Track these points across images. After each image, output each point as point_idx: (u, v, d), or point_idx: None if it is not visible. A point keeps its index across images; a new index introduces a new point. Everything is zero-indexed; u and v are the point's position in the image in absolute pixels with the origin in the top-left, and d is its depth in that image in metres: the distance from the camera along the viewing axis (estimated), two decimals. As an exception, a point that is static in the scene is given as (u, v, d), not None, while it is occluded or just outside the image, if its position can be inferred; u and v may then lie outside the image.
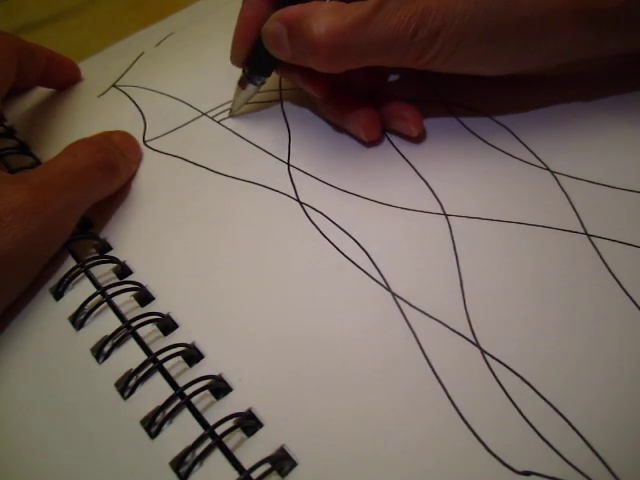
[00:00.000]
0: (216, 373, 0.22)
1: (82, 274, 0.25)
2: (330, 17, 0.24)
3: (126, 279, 0.25)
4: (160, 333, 0.23)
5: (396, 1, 0.23)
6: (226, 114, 0.32)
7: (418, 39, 0.24)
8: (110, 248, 0.26)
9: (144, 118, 0.32)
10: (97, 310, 0.24)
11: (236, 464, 0.20)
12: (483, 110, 0.30)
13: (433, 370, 0.21)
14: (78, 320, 0.23)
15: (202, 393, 0.21)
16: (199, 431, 0.20)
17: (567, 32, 0.25)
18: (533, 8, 0.24)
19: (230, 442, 0.20)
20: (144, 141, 0.31)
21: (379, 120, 0.29)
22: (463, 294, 0.23)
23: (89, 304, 0.24)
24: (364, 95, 0.29)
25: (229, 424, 0.20)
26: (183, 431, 0.20)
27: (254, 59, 0.29)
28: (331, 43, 0.24)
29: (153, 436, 0.20)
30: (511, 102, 0.30)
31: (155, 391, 0.21)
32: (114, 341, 0.23)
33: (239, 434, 0.20)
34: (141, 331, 0.23)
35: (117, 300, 0.24)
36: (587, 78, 0.29)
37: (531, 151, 0.28)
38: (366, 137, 0.28)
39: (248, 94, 0.30)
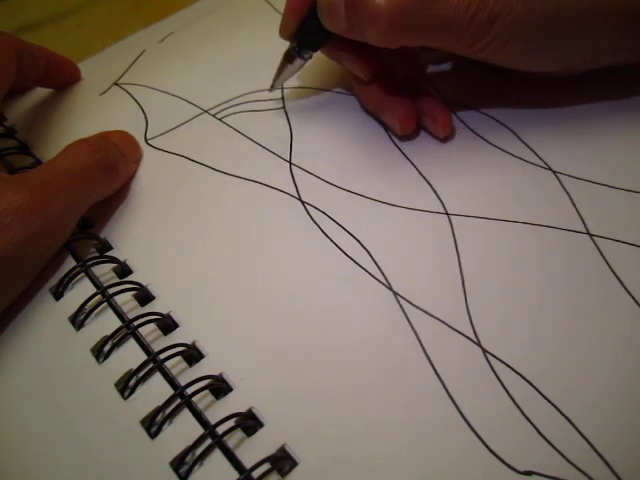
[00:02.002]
0: (216, 373, 0.22)
1: (82, 274, 0.25)
2: None
3: (126, 279, 0.25)
4: (160, 333, 0.23)
5: None
6: (227, 112, 0.32)
7: (476, 22, 0.24)
8: (110, 248, 0.26)
9: (146, 116, 0.32)
10: (97, 310, 0.24)
11: (236, 464, 0.19)
12: (485, 110, 0.30)
13: (434, 369, 0.21)
14: (78, 320, 0.23)
15: (202, 393, 0.21)
16: (199, 431, 0.20)
17: (616, 32, 0.25)
18: (588, 3, 0.24)
19: (230, 442, 0.20)
20: (146, 139, 0.31)
21: (415, 114, 0.28)
22: (465, 293, 0.23)
23: (89, 304, 0.24)
24: (403, 85, 0.29)
25: (229, 424, 0.20)
26: (183, 431, 0.20)
27: (305, 32, 0.28)
28: (392, 13, 0.23)
29: (153, 436, 0.20)
30: (513, 102, 0.30)
31: (155, 391, 0.21)
32: (114, 341, 0.23)
33: (239, 434, 0.20)
34: (141, 331, 0.23)
35: (117, 300, 0.24)
36: (588, 80, 0.29)
37: (533, 151, 0.28)
38: (401, 130, 0.28)
39: (294, 69, 0.30)
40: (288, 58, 0.29)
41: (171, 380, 0.22)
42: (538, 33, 0.24)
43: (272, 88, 0.31)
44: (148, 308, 0.24)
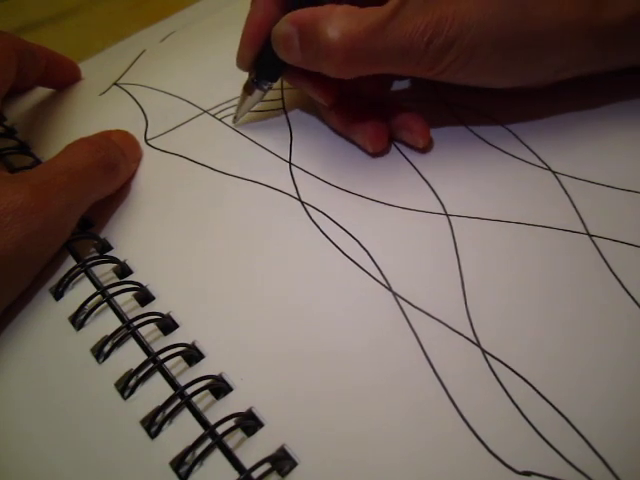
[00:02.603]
0: (216, 373, 0.22)
1: (82, 274, 0.25)
2: (345, 21, 0.23)
3: (126, 279, 0.25)
4: (160, 333, 0.23)
5: (412, 8, 0.23)
6: (227, 112, 0.32)
7: (433, 48, 0.24)
8: (110, 248, 0.26)
9: (145, 116, 0.32)
10: (97, 310, 0.24)
11: (236, 464, 0.19)
12: (484, 111, 0.30)
13: (434, 370, 0.21)
14: (78, 320, 0.23)
15: (202, 393, 0.21)
16: (199, 431, 0.20)
17: (577, 47, 0.25)
18: (546, 22, 0.24)
19: (230, 442, 0.20)
20: (145, 139, 0.31)
21: (386, 132, 0.28)
22: (464, 294, 0.23)
23: (89, 304, 0.24)
24: (370, 104, 0.29)
25: (229, 424, 0.20)
26: (183, 431, 0.20)
27: (262, 63, 0.28)
28: (346, 47, 0.23)
29: (153, 436, 0.20)
30: (513, 104, 0.30)
31: (155, 391, 0.21)
32: (114, 341, 0.23)
33: (239, 434, 0.20)
34: (141, 331, 0.23)
35: (117, 300, 0.24)
36: (588, 81, 0.29)
37: (532, 151, 0.28)
38: (372, 149, 0.28)
39: (254, 100, 0.30)
40: (247, 90, 0.30)
41: (171, 380, 0.22)
42: (495, 54, 0.24)
43: (235, 120, 0.31)
44: (148, 308, 0.24)
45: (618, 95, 0.29)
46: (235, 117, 0.31)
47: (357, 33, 0.23)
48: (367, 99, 0.30)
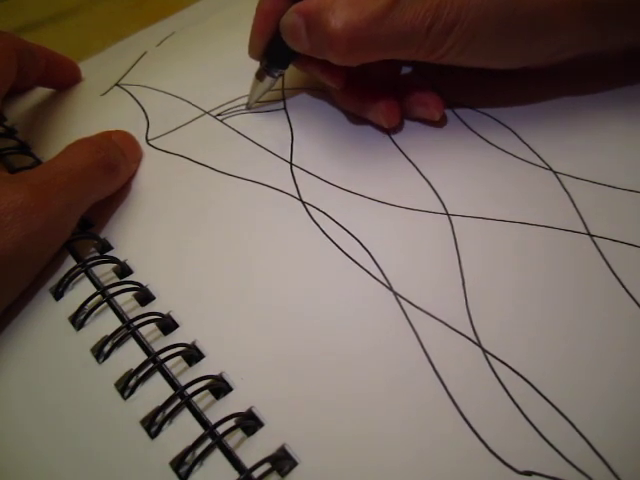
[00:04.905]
0: (216, 373, 0.22)
1: (82, 274, 0.25)
2: (347, 11, 0.24)
3: (126, 279, 0.25)
4: (160, 333, 0.23)
5: None
6: (228, 113, 0.32)
7: (433, 33, 0.24)
8: (110, 248, 0.26)
9: (147, 117, 0.32)
10: (97, 310, 0.24)
11: (236, 464, 0.19)
12: (486, 111, 0.30)
13: (435, 370, 0.21)
14: (78, 320, 0.23)
15: (202, 393, 0.21)
16: (199, 431, 0.20)
17: (575, 26, 0.25)
18: (543, 2, 0.24)
19: (230, 442, 0.20)
20: (147, 140, 0.31)
21: (399, 107, 0.29)
22: (465, 294, 0.23)
23: (89, 304, 0.24)
24: (382, 85, 0.29)
25: (229, 424, 0.20)
26: (183, 431, 0.20)
27: (272, 51, 0.29)
28: (348, 37, 0.24)
29: (153, 436, 0.20)
30: (514, 103, 0.30)
31: (155, 391, 0.21)
32: (114, 341, 0.23)
33: (239, 434, 0.20)
34: (141, 331, 0.23)
35: (117, 300, 0.24)
36: (590, 78, 0.29)
37: (534, 151, 0.28)
38: (387, 123, 0.29)
39: (265, 86, 0.31)
40: (259, 77, 0.30)
41: (171, 380, 0.22)
42: (494, 36, 0.25)
43: (247, 106, 0.32)
44: (148, 308, 0.24)
45: (620, 94, 0.29)
46: (247, 103, 0.32)
47: (358, 22, 0.24)
48: (378, 81, 0.30)
